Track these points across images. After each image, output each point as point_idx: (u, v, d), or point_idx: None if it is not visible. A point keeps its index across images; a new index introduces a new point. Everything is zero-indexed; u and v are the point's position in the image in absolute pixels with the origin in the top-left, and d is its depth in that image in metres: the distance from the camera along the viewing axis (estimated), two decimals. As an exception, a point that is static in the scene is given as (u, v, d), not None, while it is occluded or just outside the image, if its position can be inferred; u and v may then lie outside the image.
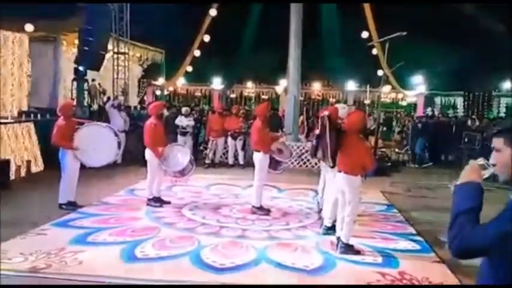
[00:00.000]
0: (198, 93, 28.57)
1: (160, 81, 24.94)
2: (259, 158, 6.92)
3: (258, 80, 27.63)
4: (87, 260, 4.79)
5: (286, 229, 6.37)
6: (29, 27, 13.78)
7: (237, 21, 24.88)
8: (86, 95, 15.18)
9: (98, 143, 7.01)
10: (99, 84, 17.71)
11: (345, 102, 25.08)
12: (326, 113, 5.48)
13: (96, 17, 11.51)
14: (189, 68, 26.50)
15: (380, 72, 21.32)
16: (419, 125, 13.78)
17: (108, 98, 15.58)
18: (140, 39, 20.11)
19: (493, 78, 24.94)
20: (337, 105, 7.06)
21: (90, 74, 15.67)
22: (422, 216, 7.60)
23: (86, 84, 13.43)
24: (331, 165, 5.35)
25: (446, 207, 6.69)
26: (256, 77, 27.26)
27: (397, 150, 14.88)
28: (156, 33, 20.81)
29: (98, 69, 12.26)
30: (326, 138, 5.25)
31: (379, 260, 5.27)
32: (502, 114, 24.02)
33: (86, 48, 11.03)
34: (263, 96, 27.82)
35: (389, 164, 12.94)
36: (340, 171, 5.36)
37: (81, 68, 11.66)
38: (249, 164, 10.60)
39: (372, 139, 14.20)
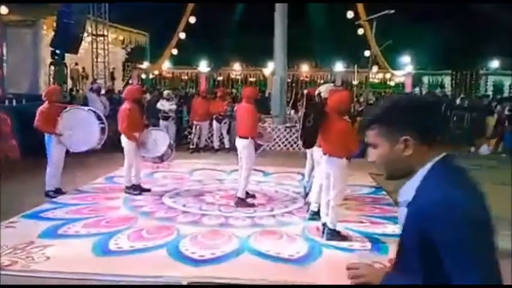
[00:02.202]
0: (184, 77, 28.03)
1: (146, 64, 24.42)
2: (248, 145, 6.44)
3: (245, 62, 27.16)
4: (56, 255, 4.47)
5: (271, 215, 6.09)
6: (3, 9, 13.21)
7: (224, 2, 24.33)
8: (68, 80, 14.71)
9: (81, 127, 6.78)
10: (82, 68, 17.18)
11: (333, 82, 24.83)
12: (305, 91, 5.20)
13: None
14: (175, 51, 26.00)
15: (367, 53, 21.08)
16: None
17: (92, 82, 15.12)
18: (123, 22, 19.57)
19: (481, 56, 24.78)
20: (325, 85, 6.69)
21: (73, 58, 15.17)
22: (411, 198, 7.38)
23: (64, 69, 12.88)
24: (303, 145, 5.05)
25: None
26: (244, 59, 26.78)
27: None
28: (139, 16, 20.27)
29: (75, 52, 11.77)
30: (306, 119, 4.95)
31: (368, 246, 5.04)
32: (490, 93, 23.93)
33: (62, 30, 10.51)
34: (250, 79, 27.46)
35: (378, 144, 12.70)
36: (325, 154, 5.08)
37: (57, 51, 11.14)
38: (235, 148, 10.31)
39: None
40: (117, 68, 21.02)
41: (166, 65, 26.63)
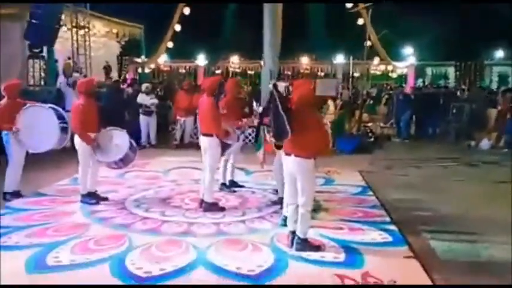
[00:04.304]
0: (182, 70, 27.41)
1: (142, 58, 23.88)
2: (211, 143, 5.85)
3: (243, 55, 26.51)
4: (-19, 272, 3.93)
5: (241, 221, 5.52)
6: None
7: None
8: (60, 74, 14.13)
9: (40, 126, 6.21)
10: (74, 62, 16.64)
11: (334, 75, 24.30)
12: (272, 82, 4.62)
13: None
14: (170, 44, 25.38)
15: (368, 44, 20.48)
16: (401, 97, 12.89)
17: (85, 77, 14.55)
18: (116, 14, 19.02)
19: (485, 46, 23.99)
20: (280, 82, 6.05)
21: (65, 52, 14.63)
22: (401, 199, 6.80)
23: (42, 61, 12.15)
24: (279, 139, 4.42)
25: (431, 188, 5.72)
26: (242, 51, 26.11)
27: (381, 124, 14.05)
28: (133, 8, 19.72)
29: (51, 44, 11.18)
30: (278, 111, 4.33)
31: (341, 257, 4.46)
32: (495, 84, 23.20)
33: (35, 21, 9.92)
34: (249, 72, 26.91)
35: (372, 139, 12.12)
36: (288, 154, 4.48)
37: (33, 43, 10.57)
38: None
39: (357, 113, 13.40)
40: (112, 62, 20.46)
41: (163, 59, 26.04)
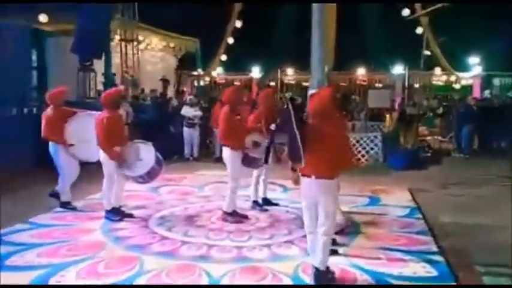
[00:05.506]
0: (237, 83, 27.43)
1: (198, 71, 24.15)
2: (229, 155, 5.72)
3: (298, 66, 26.11)
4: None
5: (266, 245, 5.04)
6: (43, 17, 13.19)
7: (271, 4, 23.54)
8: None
9: (90, 134, 5.97)
10: (131, 76, 16.97)
11: (393, 86, 23.22)
12: (287, 94, 4.15)
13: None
14: (223, 57, 25.50)
15: (427, 53, 19.42)
16: (462, 109, 11.89)
17: (142, 90, 14.79)
18: (172, 28, 19.33)
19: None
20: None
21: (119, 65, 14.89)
22: (454, 223, 6.03)
23: (91, 74, 12.30)
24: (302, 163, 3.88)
25: (490, 211, 4.85)
26: (296, 63, 25.74)
27: (440, 138, 13.07)
28: (189, 22, 19.97)
29: (99, 57, 11.29)
30: (292, 129, 3.82)
31: (372, 295, 3.87)
32: None
33: (82, 33, 10.03)
34: (304, 83, 26.39)
35: (428, 154, 11.23)
36: (308, 176, 3.94)
37: (79, 56, 10.71)
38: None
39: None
40: (169, 75, 20.73)
41: (218, 71, 26.21)
